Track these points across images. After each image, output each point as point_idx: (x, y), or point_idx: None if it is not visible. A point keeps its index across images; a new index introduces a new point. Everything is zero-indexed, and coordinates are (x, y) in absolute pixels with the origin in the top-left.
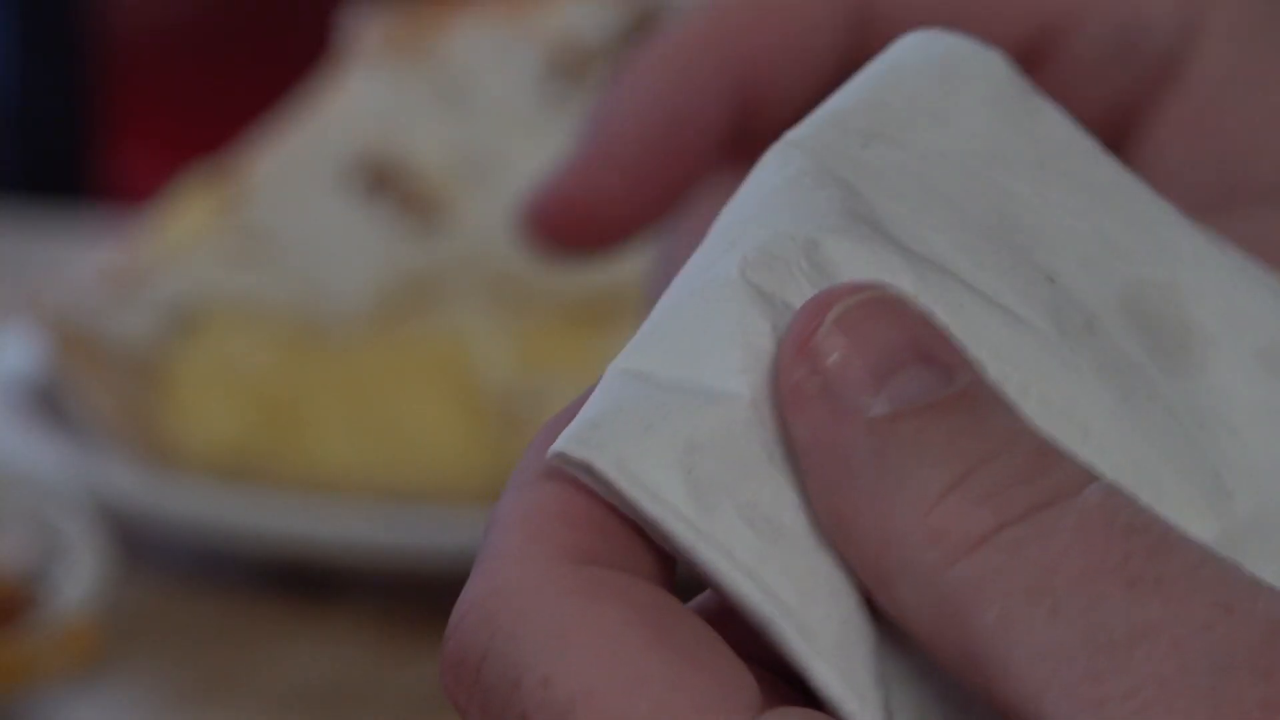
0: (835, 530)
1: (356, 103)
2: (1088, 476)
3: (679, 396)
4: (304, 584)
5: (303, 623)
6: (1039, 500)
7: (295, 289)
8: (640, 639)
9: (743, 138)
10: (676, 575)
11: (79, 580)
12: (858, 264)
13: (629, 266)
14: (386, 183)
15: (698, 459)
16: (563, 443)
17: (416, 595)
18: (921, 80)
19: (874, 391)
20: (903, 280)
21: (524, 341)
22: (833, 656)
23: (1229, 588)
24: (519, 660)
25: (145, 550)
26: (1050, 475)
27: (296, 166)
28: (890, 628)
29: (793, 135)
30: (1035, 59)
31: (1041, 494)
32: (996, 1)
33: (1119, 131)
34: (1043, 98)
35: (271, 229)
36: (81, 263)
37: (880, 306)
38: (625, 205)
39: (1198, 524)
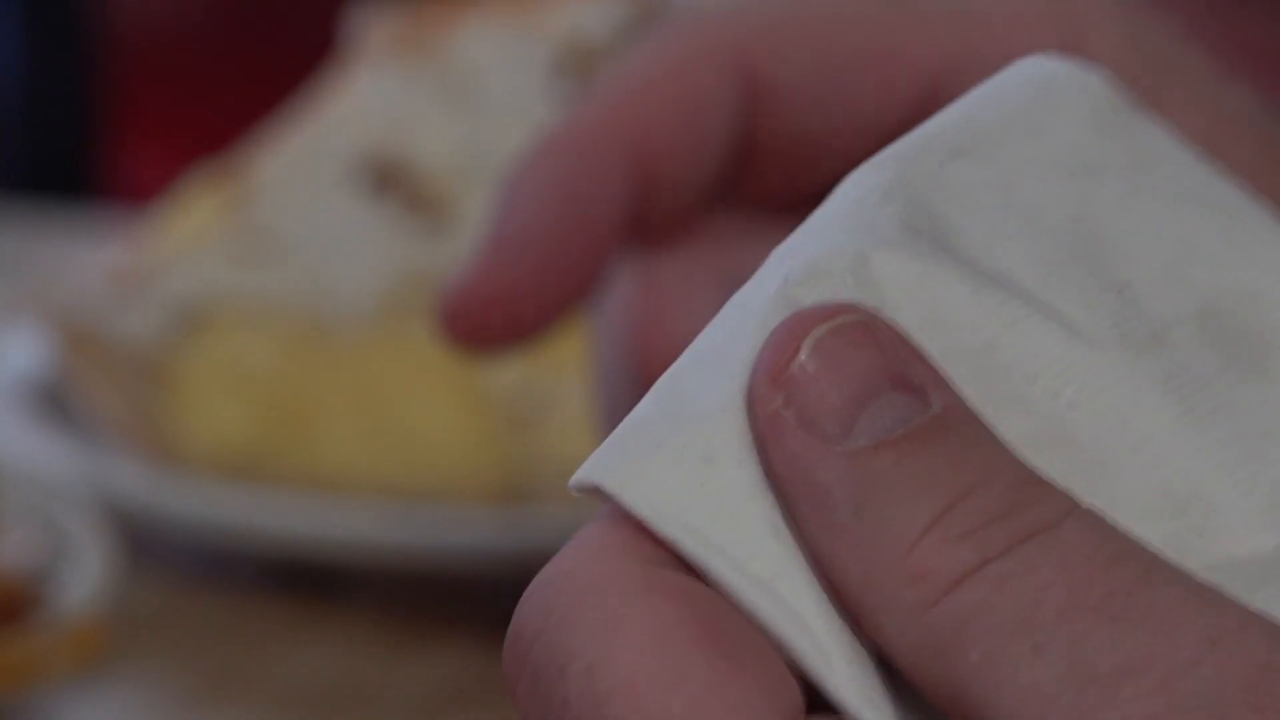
0: (817, 562)
1: (362, 101)
2: (1068, 505)
3: (701, 409)
4: (310, 583)
5: (309, 622)
6: (1020, 534)
7: (301, 288)
8: (689, 638)
9: (643, 217)
10: None
11: (85, 579)
12: (905, 279)
13: None
14: (392, 182)
15: (713, 472)
16: (580, 471)
17: (423, 594)
18: (1017, 99)
19: (850, 422)
20: (954, 294)
21: None
22: (849, 670)
23: (1217, 621)
24: (568, 645)
25: (151, 549)
26: (1030, 507)
27: (302, 165)
28: None
29: (879, 155)
30: (926, 115)
31: (1022, 527)
32: (880, 66)
33: None
34: (1143, 113)
35: (277, 228)
36: (87, 262)
37: (854, 331)
38: (536, 299)
39: (1253, 540)
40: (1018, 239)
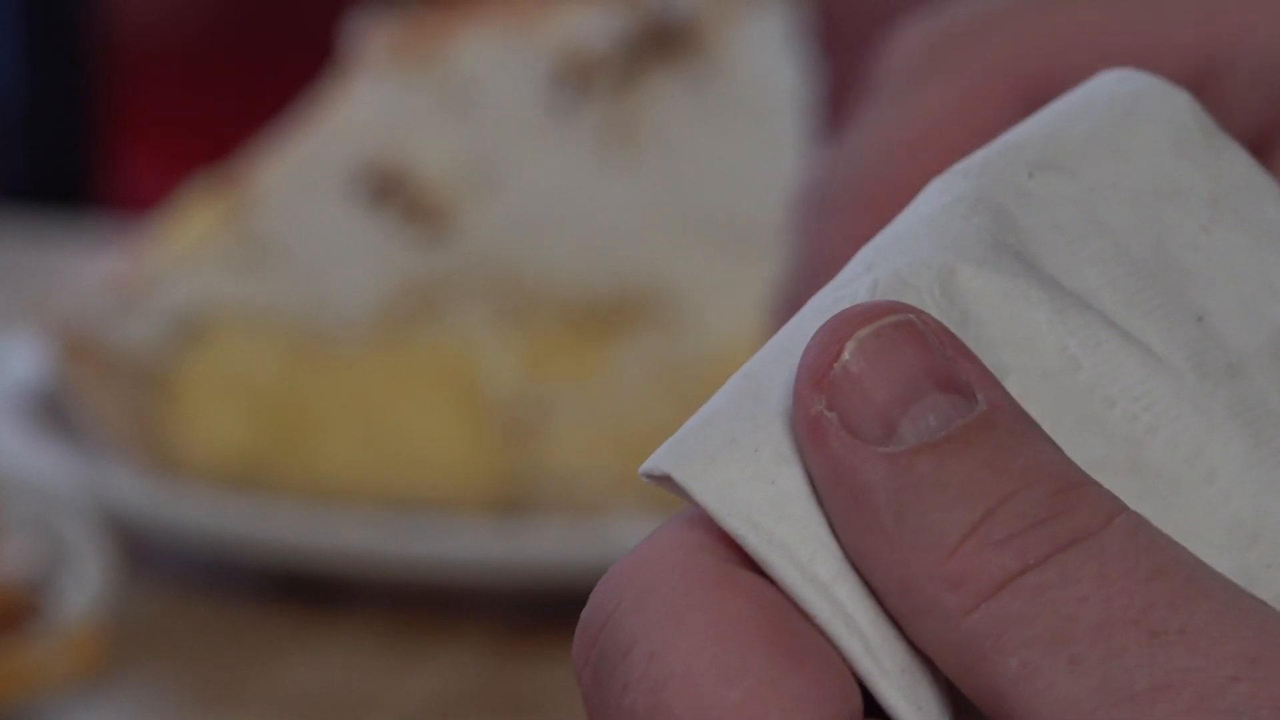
0: (858, 564)
1: (362, 111)
2: (1111, 510)
3: (774, 409)
4: (309, 592)
5: (307, 631)
6: (1060, 541)
7: (300, 297)
8: (752, 634)
9: None
10: None
11: (84, 588)
12: (993, 295)
13: (634, 276)
14: (392, 191)
15: (783, 470)
16: (651, 460)
17: (421, 604)
18: (1103, 115)
19: (893, 424)
20: (1039, 314)
21: (529, 350)
22: (901, 677)
23: (1256, 636)
24: (634, 631)
25: (150, 558)
26: (1072, 512)
27: (302, 175)
28: None
29: (961, 164)
30: (1199, 93)
31: (1063, 534)
32: (1152, 58)
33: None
34: (1227, 138)
35: (277, 237)
36: (87, 271)
37: (898, 333)
38: None
39: None
40: (1098, 261)
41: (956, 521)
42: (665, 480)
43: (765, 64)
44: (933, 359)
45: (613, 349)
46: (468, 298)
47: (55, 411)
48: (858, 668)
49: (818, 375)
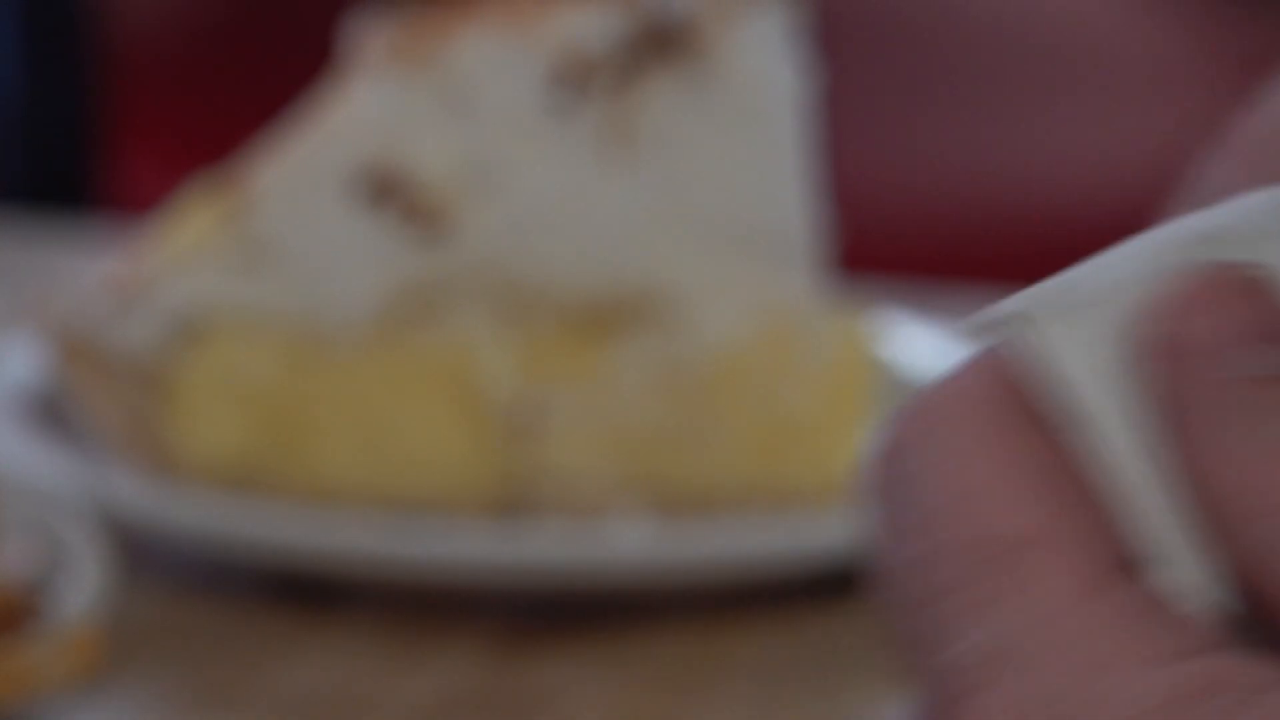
0: (1163, 463)
1: (361, 112)
2: None
3: (1127, 297)
4: (308, 594)
5: (306, 633)
6: None
7: (299, 299)
8: (1037, 474)
9: None
10: None
11: (82, 590)
12: None
13: (634, 276)
14: (391, 192)
15: (1120, 350)
16: (1005, 302)
17: (420, 606)
18: None
19: (1229, 357)
20: None
21: (528, 352)
22: (1182, 544)
23: None
24: (924, 462)
25: (148, 560)
26: None
27: (301, 176)
28: None
29: None
30: None
31: None
32: None
33: None
34: None
35: (276, 239)
36: (85, 272)
37: (1260, 285)
38: None
39: None
40: None
41: (1265, 440)
42: (1002, 325)
43: (765, 64)
44: (1269, 315)
45: (612, 349)
46: (467, 299)
47: (54, 412)
48: (1145, 527)
49: (1178, 302)
